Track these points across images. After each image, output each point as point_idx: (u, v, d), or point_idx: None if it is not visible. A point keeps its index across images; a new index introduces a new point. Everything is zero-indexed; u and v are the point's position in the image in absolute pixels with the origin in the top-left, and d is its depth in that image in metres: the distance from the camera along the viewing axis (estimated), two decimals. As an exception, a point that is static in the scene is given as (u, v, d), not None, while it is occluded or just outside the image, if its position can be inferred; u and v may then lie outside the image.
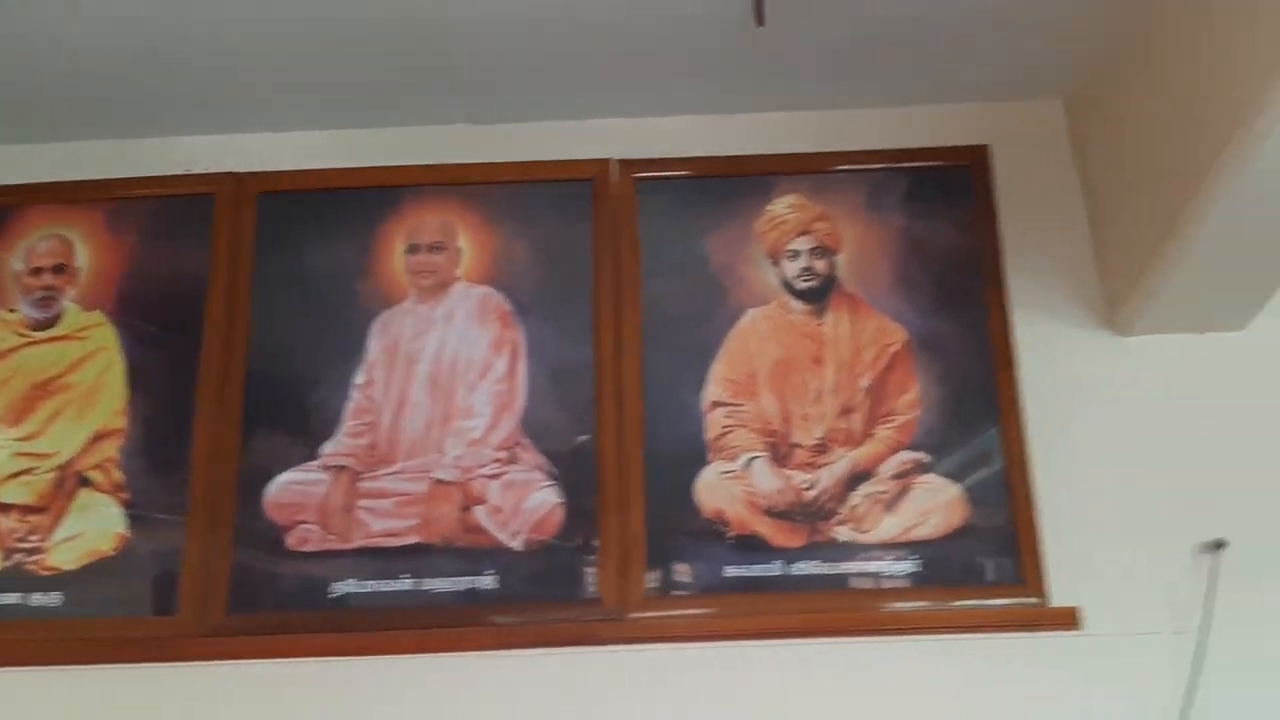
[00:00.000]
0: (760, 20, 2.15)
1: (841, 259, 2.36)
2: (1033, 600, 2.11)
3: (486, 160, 2.47)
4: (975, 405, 2.24)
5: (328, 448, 2.27)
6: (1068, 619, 2.09)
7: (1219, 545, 2.11)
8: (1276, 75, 1.70)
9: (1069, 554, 2.15)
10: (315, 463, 2.26)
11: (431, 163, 2.47)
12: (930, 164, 2.40)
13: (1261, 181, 1.84)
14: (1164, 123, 2.09)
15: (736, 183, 2.41)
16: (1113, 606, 2.11)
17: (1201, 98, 1.95)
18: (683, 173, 2.42)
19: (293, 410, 2.30)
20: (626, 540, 2.17)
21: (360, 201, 2.44)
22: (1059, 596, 2.12)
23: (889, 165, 2.40)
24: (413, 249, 2.40)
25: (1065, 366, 2.29)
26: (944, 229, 2.36)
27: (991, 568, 2.14)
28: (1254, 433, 2.22)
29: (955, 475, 2.19)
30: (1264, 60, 1.74)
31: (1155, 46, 2.13)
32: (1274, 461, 2.20)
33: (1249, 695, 2.04)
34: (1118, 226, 2.30)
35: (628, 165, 2.43)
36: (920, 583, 2.14)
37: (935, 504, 2.18)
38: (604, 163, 2.43)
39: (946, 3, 2.20)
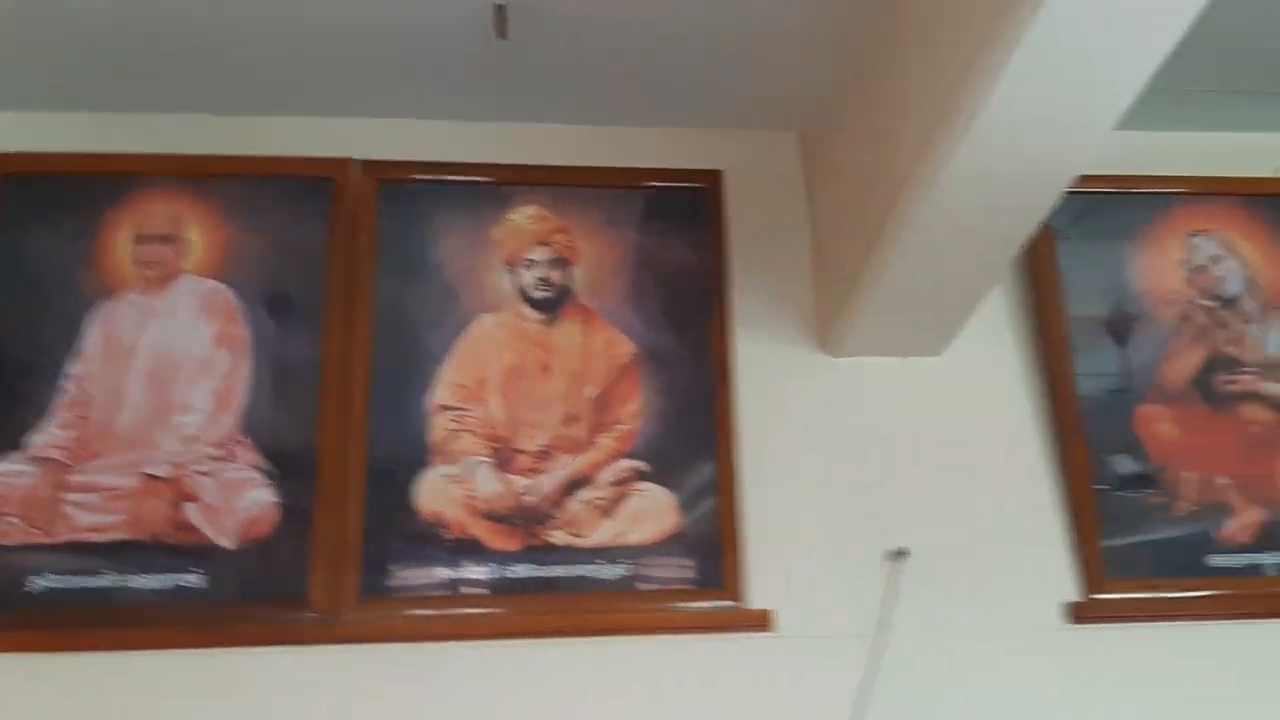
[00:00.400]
0: (501, 34, 2.19)
1: (577, 271, 2.42)
2: (731, 603, 2.22)
3: (226, 152, 2.43)
4: (694, 418, 2.34)
5: (36, 439, 2.19)
6: (762, 621, 2.21)
7: (901, 554, 2.27)
8: (944, 122, 1.85)
9: (769, 560, 2.27)
10: (21, 453, 2.18)
11: (168, 151, 2.41)
12: (667, 185, 2.49)
13: (934, 223, 1.99)
14: (868, 161, 2.24)
15: (479, 190, 2.45)
16: (805, 610, 2.25)
17: (892, 142, 2.10)
18: (425, 177, 2.44)
19: (1, 399, 2.21)
20: (342, 542, 2.18)
21: (89, 187, 2.37)
22: (756, 600, 2.24)
23: (628, 183, 2.48)
24: (140, 239, 2.35)
25: (779, 384, 2.42)
26: (677, 248, 2.46)
27: (697, 572, 2.23)
28: (942, 452, 2.39)
29: (670, 484, 2.29)
30: (935, 106, 1.89)
31: (867, 90, 2.27)
32: (957, 478, 2.37)
33: (920, 693, 2.20)
34: (833, 255, 2.44)
35: (370, 166, 2.43)
36: (630, 586, 2.22)
37: (649, 510, 2.26)
38: (345, 162, 2.42)
39: (690, 32, 2.28)
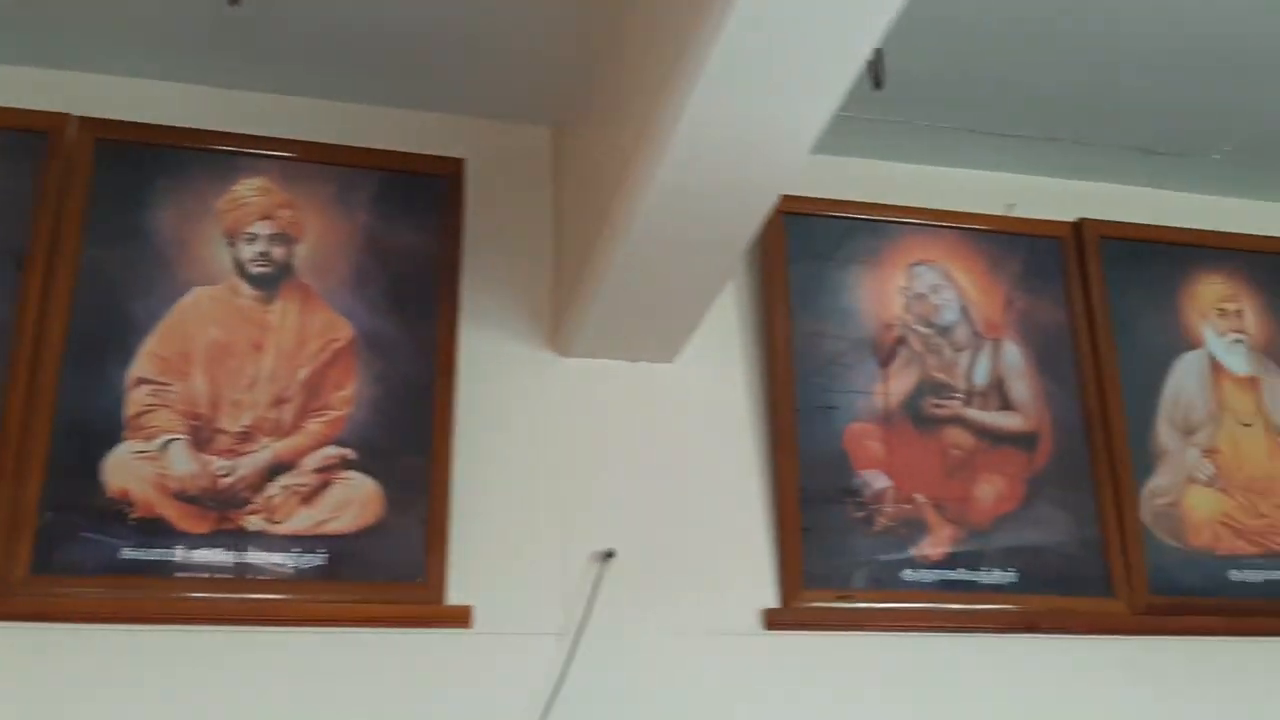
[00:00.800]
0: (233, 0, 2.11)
1: (301, 249, 2.36)
2: (430, 599, 2.19)
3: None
4: (411, 408, 2.30)
5: None
6: (460, 617, 2.19)
7: (608, 555, 2.28)
8: (649, 132, 1.87)
9: (475, 556, 2.25)
10: None
11: None
12: (405, 169, 2.44)
13: (645, 231, 2.01)
14: (595, 163, 2.25)
15: (204, 157, 2.36)
16: (507, 608, 2.24)
17: (612, 147, 2.11)
18: (147, 140, 2.33)
19: None
20: (17, 514, 2.06)
21: None
22: (458, 596, 2.22)
23: (364, 164, 2.42)
24: None
25: (504, 380, 2.41)
26: (409, 234, 2.41)
27: (397, 565, 2.20)
28: (662, 457, 2.42)
29: (378, 474, 2.24)
30: (644, 114, 1.91)
31: (602, 90, 2.28)
32: (674, 484, 2.40)
33: (614, 693, 2.22)
34: (569, 255, 2.44)
35: (88, 124, 2.31)
36: (326, 576, 2.17)
37: (352, 499, 2.22)
38: (62, 117, 2.30)
39: (442, 16, 2.24)
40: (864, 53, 1.69)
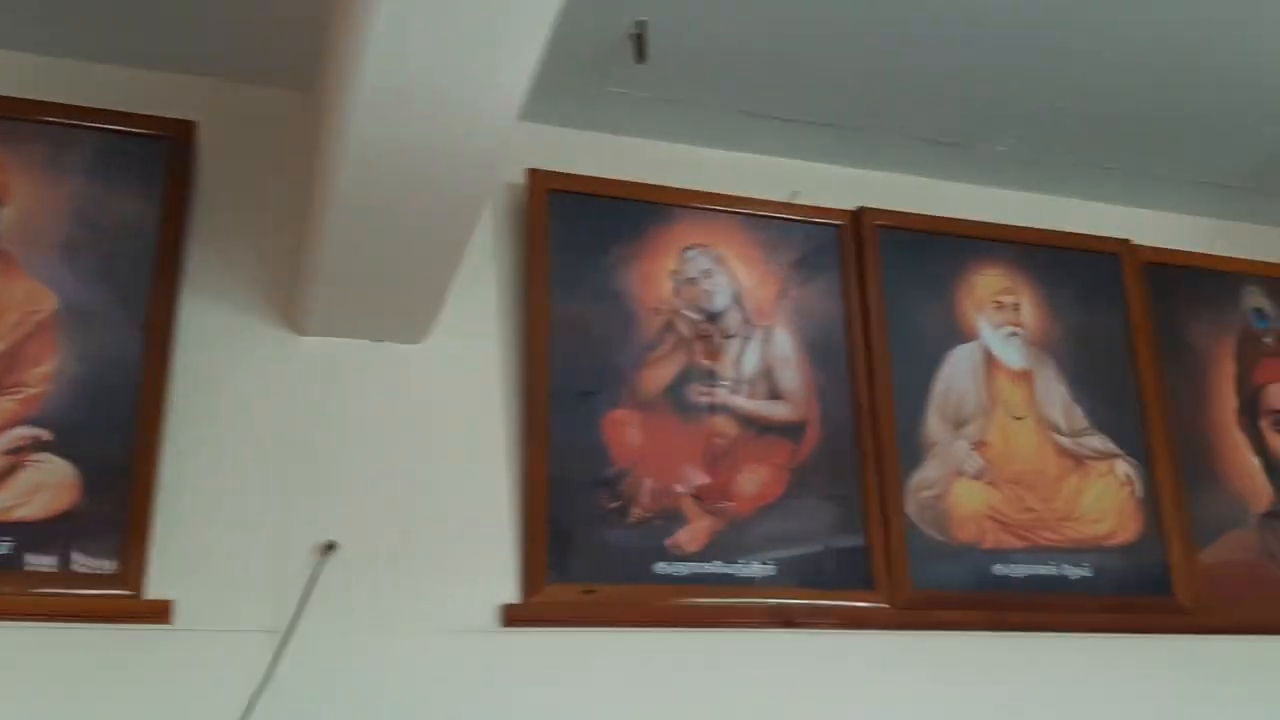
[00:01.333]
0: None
1: (5, 213, 2.17)
2: (126, 592, 2.02)
3: None
4: (117, 388, 2.13)
5: None
6: (160, 612, 2.04)
7: (330, 547, 2.15)
8: (341, 89, 1.74)
9: (182, 548, 2.10)
10: None
11: None
12: (127, 129, 2.27)
13: (352, 196, 1.89)
14: (319, 127, 2.11)
15: (-104, 111, 2.15)
16: (215, 603, 2.09)
17: (327, 108, 1.98)
18: None
19: None
20: None
21: None
22: (161, 590, 2.06)
23: (80, 121, 2.24)
24: None
25: (230, 358, 2.25)
26: (128, 200, 2.24)
27: (90, 556, 2.03)
28: (403, 443, 2.29)
29: (76, 457, 2.07)
30: (340, 72, 1.78)
31: (326, 54, 2.14)
32: (414, 472, 2.27)
33: (329, 693, 2.08)
34: (309, 229, 2.29)
35: None
36: (10, 566, 2.00)
37: (45, 484, 2.04)
38: None
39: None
40: (551, 7, 1.58)
